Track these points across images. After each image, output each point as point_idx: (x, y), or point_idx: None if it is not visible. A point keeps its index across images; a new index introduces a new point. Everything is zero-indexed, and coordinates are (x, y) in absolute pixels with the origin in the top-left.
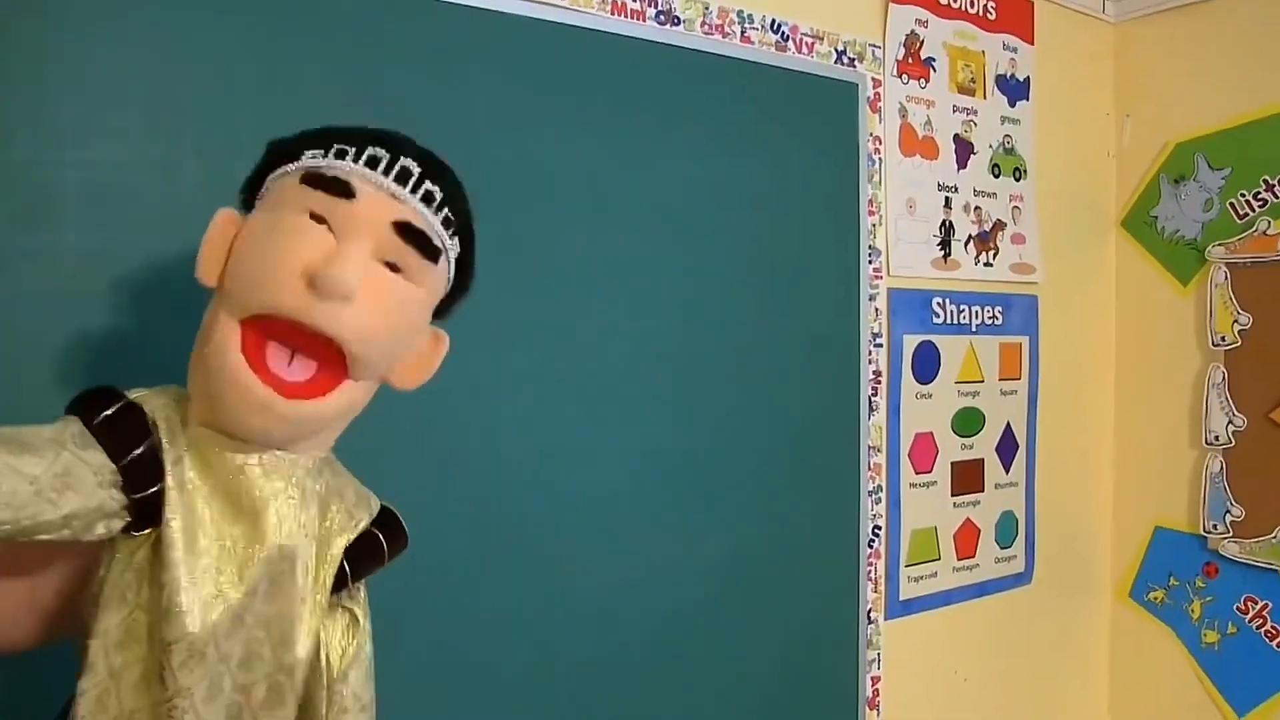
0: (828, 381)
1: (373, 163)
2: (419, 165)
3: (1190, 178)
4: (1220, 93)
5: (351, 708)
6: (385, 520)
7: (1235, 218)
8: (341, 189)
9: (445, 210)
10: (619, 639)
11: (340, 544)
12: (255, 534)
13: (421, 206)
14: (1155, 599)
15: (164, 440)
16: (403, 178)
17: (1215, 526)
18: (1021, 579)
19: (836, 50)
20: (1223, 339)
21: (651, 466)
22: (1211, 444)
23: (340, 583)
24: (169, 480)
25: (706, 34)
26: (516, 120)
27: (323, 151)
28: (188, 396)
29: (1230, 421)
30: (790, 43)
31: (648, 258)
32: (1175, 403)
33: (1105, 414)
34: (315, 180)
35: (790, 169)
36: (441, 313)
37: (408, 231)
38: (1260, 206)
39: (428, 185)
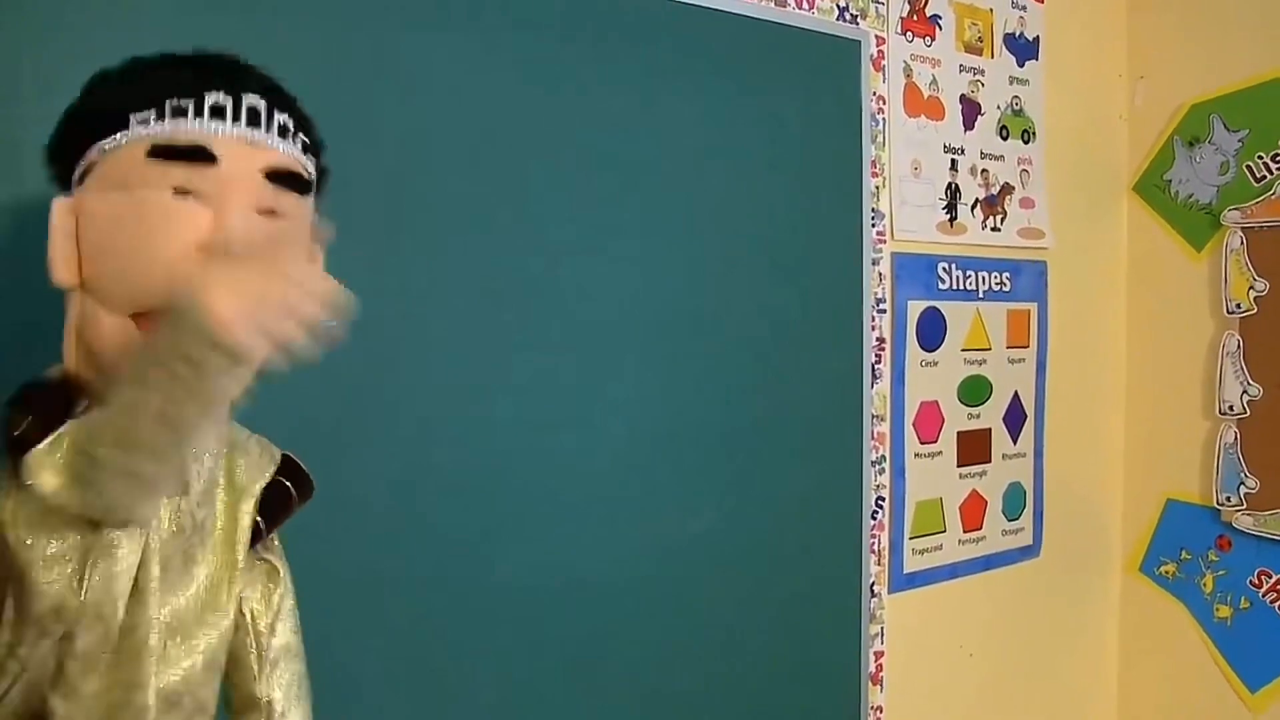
0: (830, 348)
1: (218, 112)
2: (262, 98)
3: (1205, 140)
4: (1237, 51)
5: (282, 659)
6: (289, 469)
7: (1252, 180)
8: (202, 157)
9: (300, 135)
10: (615, 611)
11: (251, 498)
12: (185, 510)
13: (281, 143)
14: (1166, 573)
15: None
16: (254, 119)
17: (1228, 499)
18: (1029, 552)
19: (839, 6)
20: (1238, 306)
21: (648, 435)
22: (1225, 414)
23: (254, 536)
24: None
25: None
26: (505, 77)
27: (155, 113)
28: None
29: (1245, 391)
30: None
31: (642, 221)
32: (1188, 371)
33: (1116, 383)
34: (168, 152)
35: (790, 129)
36: None
37: (280, 177)
38: (1279, 168)
39: (279, 118)
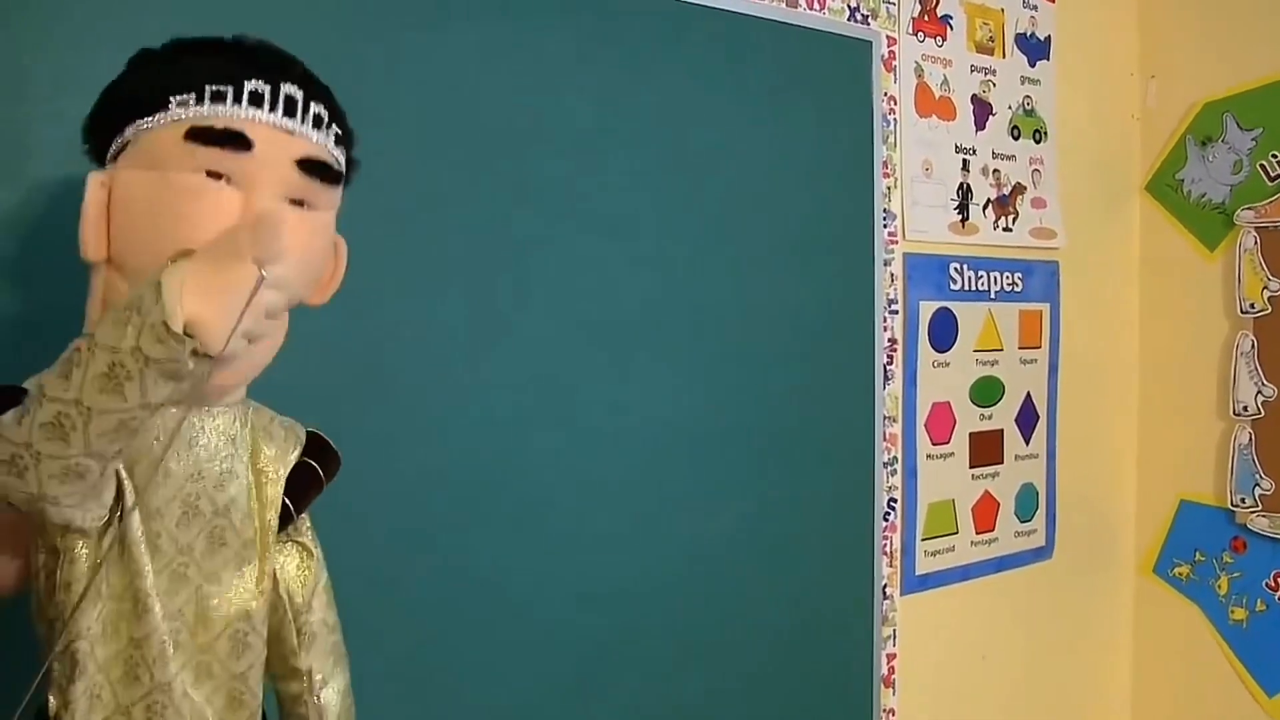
0: (841, 349)
1: (256, 99)
2: (299, 86)
3: (1218, 139)
4: (1250, 50)
5: (320, 633)
6: (315, 445)
7: (1266, 179)
8: (238, 142)
9: (334, 127)
10: (629, 614)
11: (279, 482)
12: (202, 494)
13: (315, 134)
14: (1180, 574)
15: None
16: (290, 109)
17: (1243, 500)
18: (1042, 553)
19: (850, 6)
20: (1252, 306)
21: (659, 438)
22: (1239, 414)
23: (285, 518)
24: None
25: None
26: (523, 77)
27: (194, 96)
28: None
29: (1259, 391)
30: None
31: (651, 222)
32: (1202, 372)
33: (1129, 384)
34: (204, 136)
35: (802, 130)
36: None
37: (311, 166)
38: None
39: (314, 109)
